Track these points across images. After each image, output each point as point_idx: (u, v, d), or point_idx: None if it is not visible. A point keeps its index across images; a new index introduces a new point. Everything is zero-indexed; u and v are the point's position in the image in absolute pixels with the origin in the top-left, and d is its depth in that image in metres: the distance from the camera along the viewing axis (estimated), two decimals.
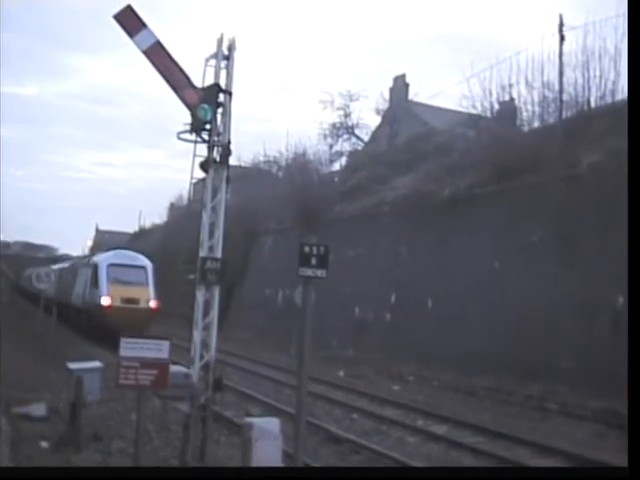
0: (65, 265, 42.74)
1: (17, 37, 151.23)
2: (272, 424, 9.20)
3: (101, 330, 26.37)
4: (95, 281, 29.27)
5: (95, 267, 30.00)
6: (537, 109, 25.49)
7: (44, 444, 10.53)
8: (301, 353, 8.83)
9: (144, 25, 9.88)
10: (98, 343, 24.93)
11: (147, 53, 9.91)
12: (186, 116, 10.05)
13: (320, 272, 8.70)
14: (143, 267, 30.02)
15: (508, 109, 26.80)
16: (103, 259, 30.90)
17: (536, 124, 25.47)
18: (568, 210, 19.33)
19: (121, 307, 27.74)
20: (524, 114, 26.40)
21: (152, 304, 28.72)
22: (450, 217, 23.72)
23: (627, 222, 6.15)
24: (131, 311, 27.35)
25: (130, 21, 9.85)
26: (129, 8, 9.86)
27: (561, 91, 23.91)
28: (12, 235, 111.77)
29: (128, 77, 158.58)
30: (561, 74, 23.84)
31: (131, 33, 9.88)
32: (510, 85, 26.10)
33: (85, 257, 40.17)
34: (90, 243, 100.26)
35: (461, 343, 21.32)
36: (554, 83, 24.32)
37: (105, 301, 28.16)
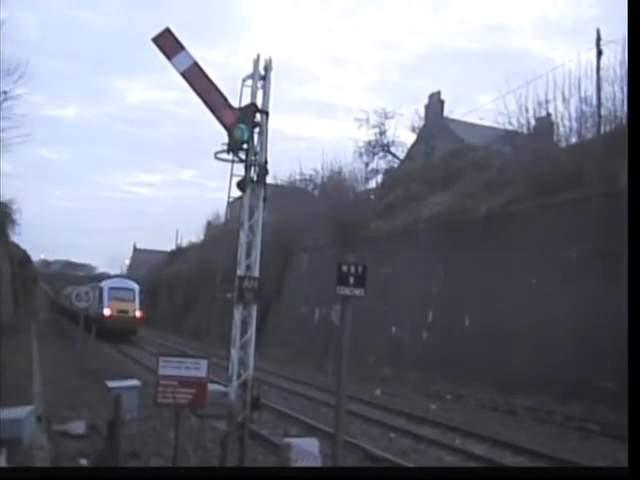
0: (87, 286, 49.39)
1: (57, 61, 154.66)
2: (311, 444, 9.12)
3: (104, 330, 38.17)
4: (101, 298, 42.18)
5: (101, 289, 43.55)
6: (574, 124, 25.09)
7: (83, 462, 10.58)
8: (339, 372, 8.79)
9: (182, 47, 9.95)
10: (102, 339, 35.63)
11: (185, 75, 9.96)
12: (221, 136, 10.03)
13: (358, 291, 8.70)
14: (132, 289, 45.48)
15: (545, 125, 26.52)
16: (106, 284, 45.88)
17: (574, 140, 25.10)
18: (607, 226, 19.04)
19: (116, 316, 42.30)
20: (561, 130, 26.02)
21: (137, 314, 44.09)
22: (487, 234, 23.53)
23: (627, 222, 6.09)
24: (123, 318, 42.33)
25: (168, 43, 9.92)
26: (167, 31, 9.95)
27: (599, 106, 23.61)
28: (53, 254, 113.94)
29: (165, 98, 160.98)
30: (599, 89, 23.56)
31: (169, 55, 9.94)
32: (547, 101, 25.82)
33: (96, 282, 52.08)
34: (128, 262, 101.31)
35: (499, 361, 21.08)
36: (592, 98, 24.03)
37: (106, 312, 42.30)
